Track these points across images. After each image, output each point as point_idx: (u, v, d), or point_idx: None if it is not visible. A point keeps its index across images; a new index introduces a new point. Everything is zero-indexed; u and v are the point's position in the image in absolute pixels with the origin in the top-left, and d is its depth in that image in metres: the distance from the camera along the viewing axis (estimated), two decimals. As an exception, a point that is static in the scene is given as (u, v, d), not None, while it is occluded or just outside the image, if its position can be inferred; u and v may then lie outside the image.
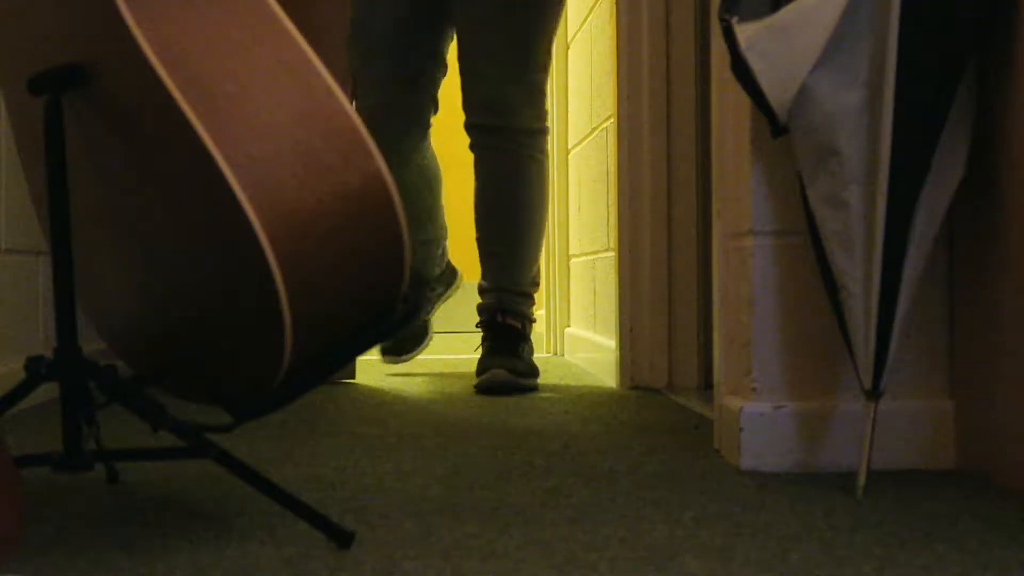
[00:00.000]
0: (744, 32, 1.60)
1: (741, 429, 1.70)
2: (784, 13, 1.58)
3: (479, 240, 2.93)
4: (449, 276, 3.20)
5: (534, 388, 2.80)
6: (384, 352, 3.20)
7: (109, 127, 1.28)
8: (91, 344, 1.40)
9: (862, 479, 1.52)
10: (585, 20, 3.60)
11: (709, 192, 2.50)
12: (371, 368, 3.26)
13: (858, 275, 1.53)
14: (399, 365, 3.27)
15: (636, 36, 2.84)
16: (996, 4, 1.54)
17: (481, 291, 2.95)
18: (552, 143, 3.62)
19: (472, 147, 2.87)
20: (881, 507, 1.44)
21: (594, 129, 3.40)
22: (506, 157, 2.84)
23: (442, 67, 2.95)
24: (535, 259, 2.95)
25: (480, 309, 2.94)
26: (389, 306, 1.32)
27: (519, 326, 2.88)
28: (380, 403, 2.59)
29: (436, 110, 2.97)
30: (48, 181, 1.27)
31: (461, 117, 2.89)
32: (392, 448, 1.93)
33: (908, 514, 1.40)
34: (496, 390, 2.71)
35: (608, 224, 3.10)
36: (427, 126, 2.97)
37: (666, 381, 2.83)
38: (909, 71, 1.49)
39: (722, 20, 1.63)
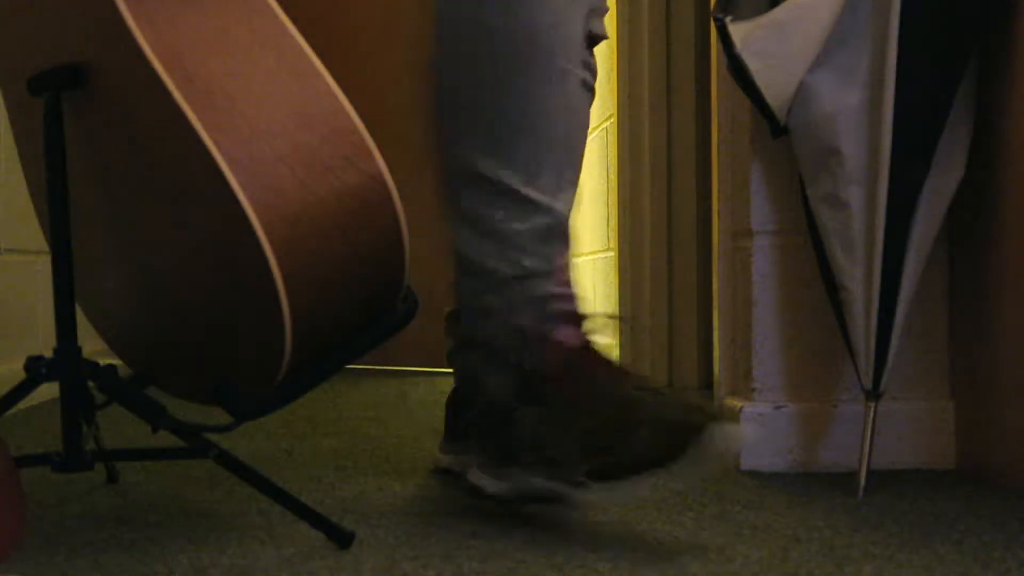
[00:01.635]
0: (739, 31, 1.59)
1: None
2: (779, 11, 1.57)
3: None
4: None
5: None
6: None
7: (109, 127, 1.28)
8: (91, 344, 1.40)
9: (862, 479, 1.52)
10: (585, 20, 3.59)
11: (709, 192, 2.50)
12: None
13: (858, 275, 1.53)
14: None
15: (636, 36, 2.84)
16: (996, 4, 1.53)
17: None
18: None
19: None
20: (881, 507, 1.44)
21: (594, 129, 3.40)
22: None
23: None
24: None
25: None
26: (389, 306, 1.32)
27: None
28: (380, 403, 2.58)
29: None
30: (48, 181, 1.27)
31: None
32: (392, 448, 1.93)
33: (908, 514, 1.40)
34: None
35: (608, 224, 3.10)
36: None
37: (666, 381, 2.83)
38: (909, 71, 1.49)
39: (716, 19, 1.62)
